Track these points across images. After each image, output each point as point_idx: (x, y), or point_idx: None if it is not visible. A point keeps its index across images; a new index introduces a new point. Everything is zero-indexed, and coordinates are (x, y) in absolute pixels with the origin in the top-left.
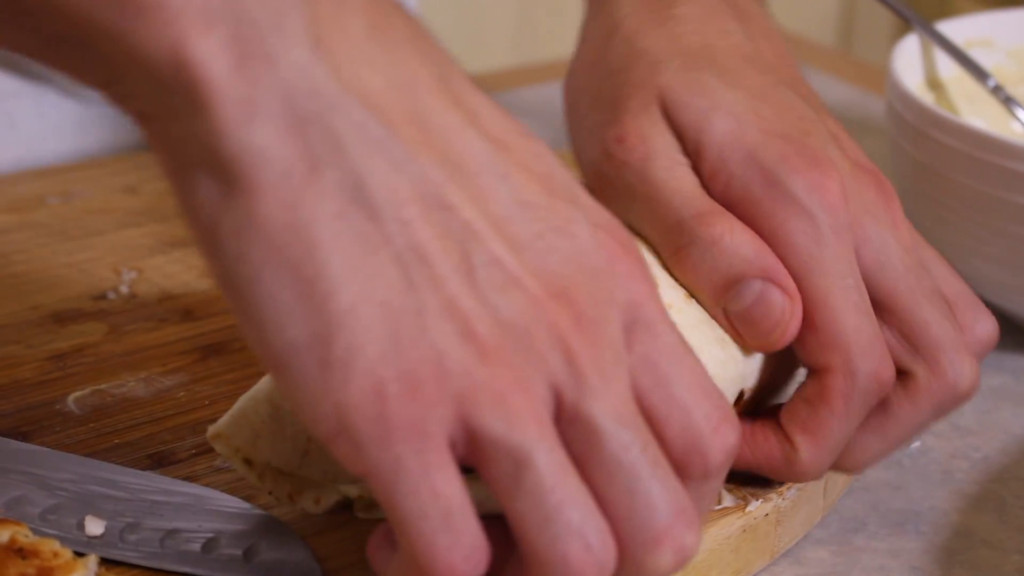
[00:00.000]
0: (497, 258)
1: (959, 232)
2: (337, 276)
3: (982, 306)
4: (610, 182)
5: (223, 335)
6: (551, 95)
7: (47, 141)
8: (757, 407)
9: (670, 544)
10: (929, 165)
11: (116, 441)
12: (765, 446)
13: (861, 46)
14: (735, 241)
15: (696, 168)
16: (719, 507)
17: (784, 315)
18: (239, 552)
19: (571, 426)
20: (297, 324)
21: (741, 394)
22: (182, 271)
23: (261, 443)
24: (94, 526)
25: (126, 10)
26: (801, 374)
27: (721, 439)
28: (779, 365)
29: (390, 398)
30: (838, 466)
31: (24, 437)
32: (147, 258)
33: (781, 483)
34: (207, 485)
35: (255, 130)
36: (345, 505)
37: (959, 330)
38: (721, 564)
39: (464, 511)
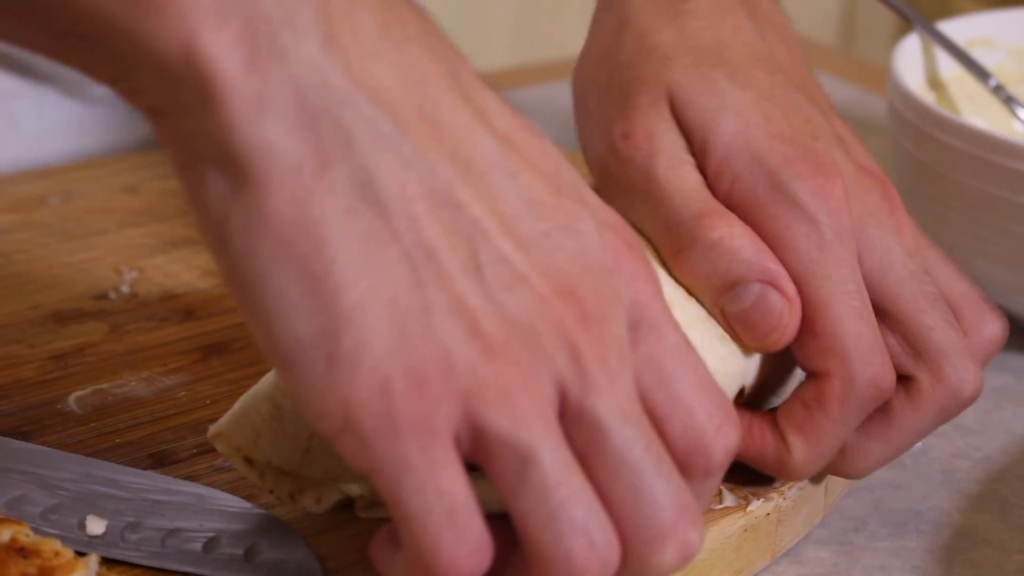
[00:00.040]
0: (504, 256)
1: (960, 232)
2: (345, 272)
3: (989, 306)
4: (615, 178)
5: (224, 335)
6: (551, 95)
7: (48, 141)
8: (757, 402)
9: (674, 541)
10: (930, 165)
11: (117, 440)
12: (760, 442)
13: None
14: (735, 244)
15: (701, 167)
16: (720, 506)
17: (782, 318)
18: (240, 551)
19: (576, 424)
20: (304, 320)
21: (742, 390)
22: (183, 271)
23: (262, 442)
24: (95, 525)
25: (138, 6)
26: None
27: (724, 438)
28: (780, 361)
29: (396, 395)
30: (842, 472)
31: (25, 436)
32: (148, 257)
33: (782, 483)
34: (208, 484)
35: (266, 125)
36: (346, 504)
37: (962, 335)
38: (722, 563)
39: (468, 508)
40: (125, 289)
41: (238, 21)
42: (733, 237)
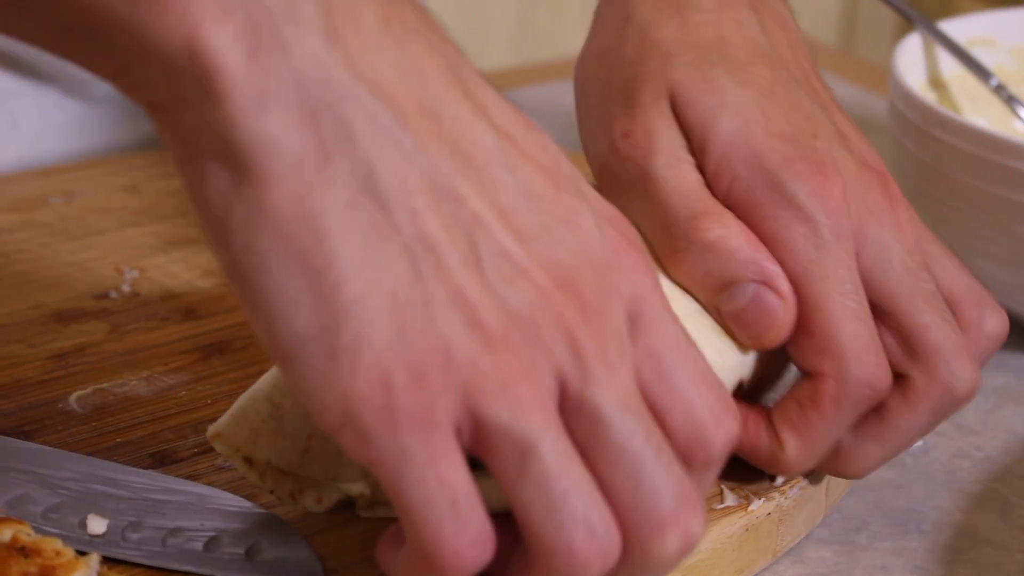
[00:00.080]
0: (504, 249)
1: (962, 231)
2: (345, 266)
3: (991, 301)
4: (614, 176)
5: (225, 334)
6: (552, 95)
7: (49, 141)
8: (755, 396)
9: (676, 530)
10: (932, 164)
11: (118, 440)
12: (754, 436)
13: (863, 45)
14: (731, 244)
15: (701, 166)
16: (722, 506)
17: (778, 318)
18: (241, 551)
19: (576, 415)
20: (305, 314)
21: (740, 385)
22: (184, 270)
23: (261, 442)
24: (96, 525)
25: (140, 0)
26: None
27: (723, 430)
28: (777, 356)
29: (397, 388)
30: (840, 473)
31: (26, 436)
32: (149, 257)
33: (784, 483)
34: (209, 484)
35: (267, 119)
36: (347, 504)
37: (959, 333)
38: (724, 563)
39: (470, 498)
40: (126, 288)
41: (241, 15)
42: (729, 237)
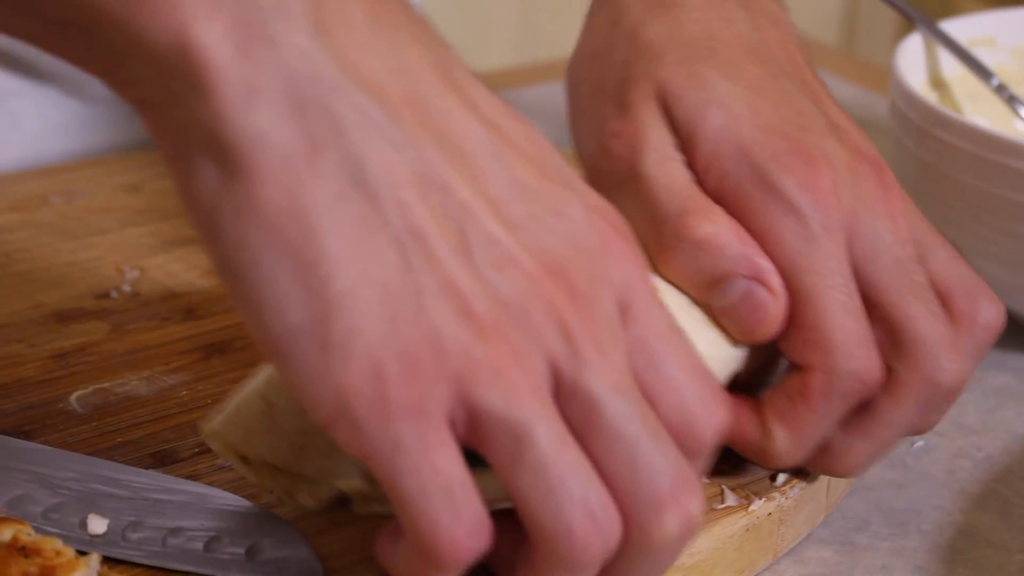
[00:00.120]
0: (494, 237)
1: (963, 231)
2: (336, 259)
3: (987, 292)
4: (605, 175)
5: (226, 334)
6: (553, 94)
7: (49, 140)
8: (750, 387)
9: (675, 510)
10: (933, 164)
11: (119, 440)
12: (745, 427)
13: (864, 45)
14: (720, 240)
15: (691, 163)
16: (722, 506)
17: (769, 313)
18: (241, 551)
19: (570, 400)
20: (296, 308)
21: (733, 375)
22: (185, 270)
23: (255, 439)
24: (96, 525)
25: None
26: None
27: (713, 418)
28: (771, 348)
29: (389, 379)
30: (832, 471)
31: (27, 436)
32: (149, 257)
33: (784, 482)
34: (210, 484)
35: (257, 113)
36: (343, 501)
37: (948, 326)
38: (724, 563)
39: (465, 487)
40: (127, 288)
41: (230, 11)
42: (719, 234)
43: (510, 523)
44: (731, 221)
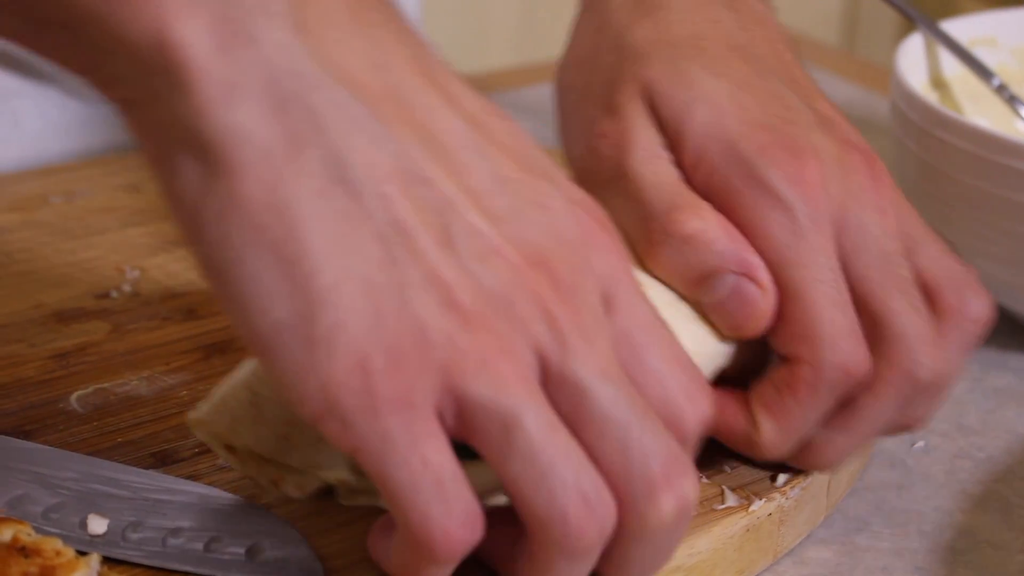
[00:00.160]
0: (476, 229)
1: (963, 232)
2: (319, 254)
3: (973, 285)
4: (593, 177)
5: (226, 334)
6: (552, 95)
7: (50, 140)
8: (739, 380)
9: (670, 491)
10: (933, 164)
11: (119, 440)
12: (731, 418)
13: (865, 45)
14: (708, 236)
15: (678, 161)
16: (723, 506)
17: (758, 307)
18: (242, 551)
19: (558, 388)
20: (281, 304)
21: (720, 370)
22: (185, 270)
23: (241, 429)
24: (97, 525)
25: None
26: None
27: (696, 409)
28: (760, 342)
29: (375, 372)
30: (811, 465)
31: (27, 436)
32: (150, 257)
33: (785, 483)
34: (210, 484)
35: (237, 110)
36: (328, 492)
37: (929, 321)
38: (724, 563)
39: (456, 479)
40: (127, 288)
41: (211, 8)
42: (707, 229)
43: (508, 518)
44: (719, 217)
